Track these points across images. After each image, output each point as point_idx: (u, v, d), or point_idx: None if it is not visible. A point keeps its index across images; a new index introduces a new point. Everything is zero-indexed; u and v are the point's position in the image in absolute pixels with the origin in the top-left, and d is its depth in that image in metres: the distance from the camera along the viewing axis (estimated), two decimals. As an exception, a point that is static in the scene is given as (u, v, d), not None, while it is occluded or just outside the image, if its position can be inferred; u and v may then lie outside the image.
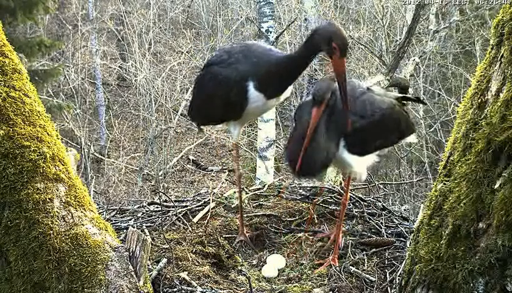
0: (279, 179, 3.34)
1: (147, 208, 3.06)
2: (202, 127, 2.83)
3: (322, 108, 2.13)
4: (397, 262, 2.38)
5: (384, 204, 3.07)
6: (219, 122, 2.62)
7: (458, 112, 1.70)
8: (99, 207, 3.02)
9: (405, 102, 2.53)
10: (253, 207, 3.01)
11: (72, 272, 1.76)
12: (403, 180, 8.99)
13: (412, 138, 2.54)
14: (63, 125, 10.58)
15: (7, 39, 1.92)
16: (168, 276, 2.24)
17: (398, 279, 2.18)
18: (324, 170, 2.27)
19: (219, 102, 2.42)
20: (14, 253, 1.79)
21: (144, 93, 11.67)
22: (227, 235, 2.71)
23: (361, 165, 2.30)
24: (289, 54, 2.35)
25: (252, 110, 2.40)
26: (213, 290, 2.19)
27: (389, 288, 2.20)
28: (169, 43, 13.51)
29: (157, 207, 3.01)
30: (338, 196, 3.05)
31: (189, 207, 2.93)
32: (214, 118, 2.59)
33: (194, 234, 2.65)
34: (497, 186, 1.39)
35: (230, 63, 2.37)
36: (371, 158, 2.35)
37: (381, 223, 2.76)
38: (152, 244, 2.40)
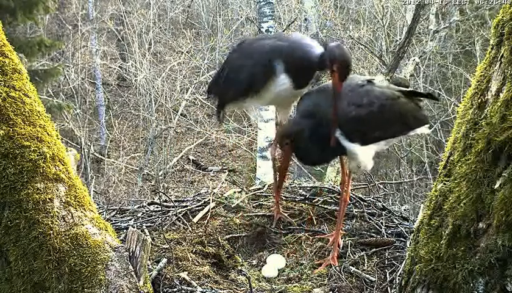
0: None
1: (147, 208, 3.05)
2: (220, 110, 2.78)
3: (288, 150, 2.30)
4: (397, 262, 2.38)
5: (384, 204, 3.06)
6: (241, 95, 2.60)
7: (458, 112, 1.70)
8: (99, 207, 3.02)
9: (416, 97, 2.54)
10: (253, 207, 3.00)
11: (72, 272, 1.76)
12: (403, 180, 8.99)
13: (423, 130, 2.53)
14: (63, 125, 10.58)
15: (7, 39, 1.92)
16: (168, 276, 2.23)
17: (398, 279, 2.18)
18: (325, 162, 2.38)
19: (247, 69, 2.49)
20: (14, 253, 1.79)
21: (144, 93, 11.67)
22: (227, 235, 2.71)
23: (365, 154, 2.33)
24: (313, 55, 2.38)
25: (277, 93, 2.47)
26: (213, 290, 2.19)
27: (389, 288, 2.20)
28: (169, 43, 13.52)
29: (157, 207, 3.01)
30: (338, 196, 3.04)
31: (189, 207, 2.93)
32: (237, 89, 2.58)
33: (194, 234, 2.65)
34: (497, 186, 1.39)
35: (263, 40, 2.55)
36: (375, 147, 2.38)
37: (381, 223, 2.76)
38: (152, 244, 2.40)
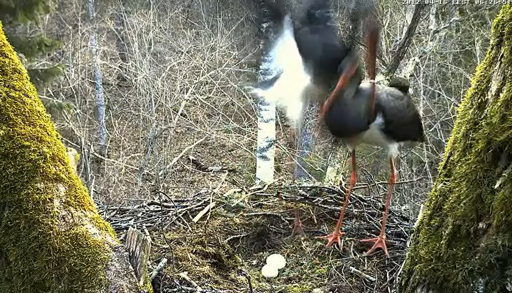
0: (279, 179, 3.33)
1: (147, 208, 3.05)
2: None
3: (350, 73, 2.26)
4: (397, 262, 2.38)
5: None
6: None
7: (458, 112, 1.70)
8: (99, 207, 3.02)
9: None
10: (253, 207, 3.00)
11: (72, 272, 1.76)
12: (403, 181, 8.98)
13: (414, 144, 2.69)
14: (63, 125, 10.57)
15: (6, 39, 1.92)
16: (168, 276, 2.23)
17: (398, 279, 2.18)
18: (359, 131, 2.39)
19: None
20: (14, 253, 1.79)
21: (144, 93, 11.67)
22: (227, 235, 2.71)
23: (394, 148, 2.48)
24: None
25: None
26: (213, 290, 2.19)
27: (389, 288, 2.20)
28: (169, 43, 13.50)
29: (157, 207, 3.01)
30: (338, 196, 3.05)
31: (189, 207, 2.93)
32: None
33: (194, 234, 2.65)
34: (497, 186, 1.39)
35: None
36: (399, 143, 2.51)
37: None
38: (152, 244, 2.40)
